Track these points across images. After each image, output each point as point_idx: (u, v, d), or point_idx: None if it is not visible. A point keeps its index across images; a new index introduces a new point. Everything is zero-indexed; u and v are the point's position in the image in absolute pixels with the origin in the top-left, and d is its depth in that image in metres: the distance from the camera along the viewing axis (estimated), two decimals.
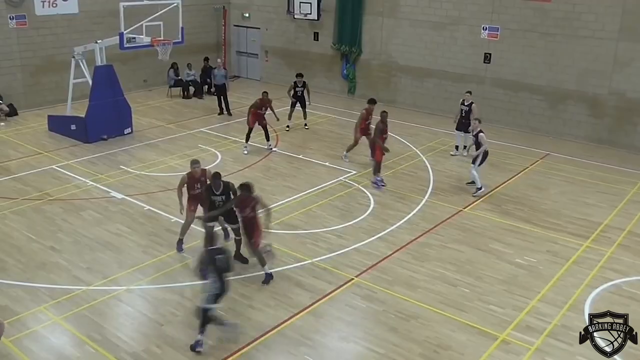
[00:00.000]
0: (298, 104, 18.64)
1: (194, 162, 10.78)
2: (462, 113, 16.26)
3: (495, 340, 8.66)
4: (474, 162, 13.93)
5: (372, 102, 15.41)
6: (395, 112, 21.02)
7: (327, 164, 15.75)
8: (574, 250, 11.44)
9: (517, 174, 15.47)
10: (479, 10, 19.57)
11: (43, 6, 19.74)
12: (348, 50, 22.84)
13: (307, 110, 18.77)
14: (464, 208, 13.20)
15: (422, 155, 16.60)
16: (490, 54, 19.66)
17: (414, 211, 12.97)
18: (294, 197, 13.51)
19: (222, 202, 10.14)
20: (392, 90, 22.22)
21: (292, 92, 18.54)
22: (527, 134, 18.89)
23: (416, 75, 21.51)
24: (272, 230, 11.69)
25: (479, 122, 14.07)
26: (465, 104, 16.22)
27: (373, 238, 11.66)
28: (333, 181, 14.53)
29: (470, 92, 16.58)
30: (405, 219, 12.58)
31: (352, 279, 10.19)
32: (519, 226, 12.44)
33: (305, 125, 18.81)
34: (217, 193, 10.17)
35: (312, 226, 12.13)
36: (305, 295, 9.65)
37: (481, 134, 13.72)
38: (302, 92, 18.52)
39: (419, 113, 20.94)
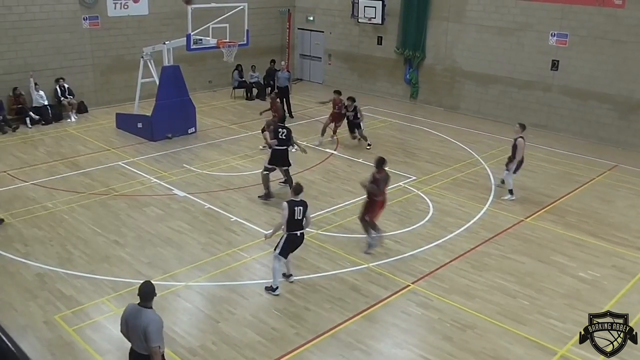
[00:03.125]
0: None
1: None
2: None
3: (555, 355, 8.40)
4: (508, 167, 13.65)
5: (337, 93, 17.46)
6: (458, 119, 20.84)
7: (386, 168, 15.59)
8: None
9: (583, 185, 14.98)
10: (547, 16, 19.07)
11: (115, 8, 20.60)
12: (411, 54, 22.69)
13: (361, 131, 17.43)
14: (526, 218, 12.88)
15: (484, 163, 16.28)
16: (558, 61, 19.11)
17: (474, 219, 12.75)
18: (353, 200, 13.48)
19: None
20: (456, 96, 21.92)
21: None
22: (595, 144, 18.27)
23: (481, 81, 21.16)
24: (330, 234, 11.79)
25: (523, 127, 13.49)
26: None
27: (431, 245, 11.51)
28: (392, 186, 14.37)
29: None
30: (465, 227, 12.37)
31: (409, 285, 10.09)
32: (583, 239, 12.04)
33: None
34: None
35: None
36: (360, 300, 9.62)
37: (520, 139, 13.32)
38: (353, 116, 17.18)
39: (482, 120, 20.57)
